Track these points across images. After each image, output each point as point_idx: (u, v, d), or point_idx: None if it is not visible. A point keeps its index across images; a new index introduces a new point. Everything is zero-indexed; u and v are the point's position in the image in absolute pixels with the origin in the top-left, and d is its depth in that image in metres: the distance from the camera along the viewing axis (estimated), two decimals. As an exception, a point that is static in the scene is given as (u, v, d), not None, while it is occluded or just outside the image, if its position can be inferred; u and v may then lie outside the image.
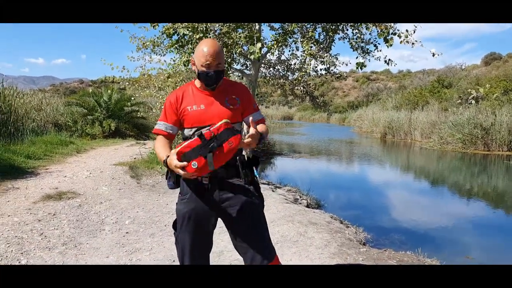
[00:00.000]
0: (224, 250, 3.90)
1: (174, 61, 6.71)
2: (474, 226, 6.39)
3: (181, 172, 1.96)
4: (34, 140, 10.50)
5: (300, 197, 6.94)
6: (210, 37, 5.91)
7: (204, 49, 2.13)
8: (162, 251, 3.96)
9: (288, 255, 3.85)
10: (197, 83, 2.27)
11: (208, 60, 2.11)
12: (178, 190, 2.39)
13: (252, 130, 2.04)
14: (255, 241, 2.23)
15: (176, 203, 2.36)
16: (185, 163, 1.95)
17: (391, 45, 6.02)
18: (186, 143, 2.01)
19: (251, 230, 2.24)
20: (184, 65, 6.17)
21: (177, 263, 3.64)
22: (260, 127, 2.26)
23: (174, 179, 2.23)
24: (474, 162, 13.22)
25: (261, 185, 7.30)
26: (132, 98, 14.02)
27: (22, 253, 3.72)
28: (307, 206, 6.35)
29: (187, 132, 2.25)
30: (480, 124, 15.05)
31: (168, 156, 2.04)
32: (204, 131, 2.01)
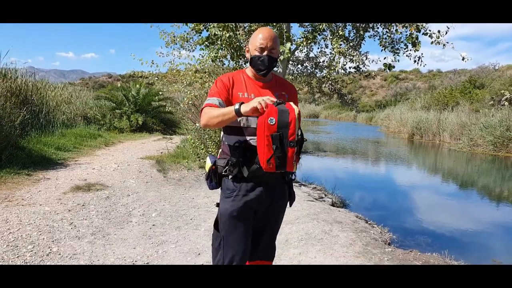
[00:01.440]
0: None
1: (202, 56, 6.77)
2: (502, 230, 6.19)
3: (257, 103, 1.87)
4: (64, 132, 10.79)
5: (325, 195, 6.89)
6: (240, 34, 5.93)
7: (260, 35, 2.12)
8: (188, 244, 4.01)
9: (313, 252, 3.84)
10: (249, 71, 2.23)
11: (262, 44, 2.10)
12: (205, 187, 2.41)
13: None
14: (270, 240, 2.32)
15: (218, 203, 2.23)
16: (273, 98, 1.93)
17: (417, 50, 5.90)
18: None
19: (270, 230, 2.32)
20: (212, 61, 6.21)
21: (203, 257, 3.69)
22: None
23: (216, 179, 2.18)
24: (505, 165, 12.79)
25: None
26: (160, 93, 14.21)
27: (53, 241, 3.84)
28: (332, 205, 6.30)
29: (234, 122, 2.13)
30: (513, 126, 14.55)
31: (239, 103, 1.94)
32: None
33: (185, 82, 7.57)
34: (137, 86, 16.24)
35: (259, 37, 2.11)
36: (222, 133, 2.24)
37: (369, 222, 5.41)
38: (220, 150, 2.26)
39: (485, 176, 11.11)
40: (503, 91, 20.66)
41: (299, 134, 1.95)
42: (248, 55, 2.20)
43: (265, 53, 2.11)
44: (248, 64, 2.24)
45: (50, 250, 3.64)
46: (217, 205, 2.24)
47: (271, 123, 1.86)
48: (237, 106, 1.92)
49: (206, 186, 2.34)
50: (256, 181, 2.10)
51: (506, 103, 19.18)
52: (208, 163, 2.22)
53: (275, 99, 1.92)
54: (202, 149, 7.89)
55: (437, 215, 6.88)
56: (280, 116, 1.87)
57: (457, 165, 13.32)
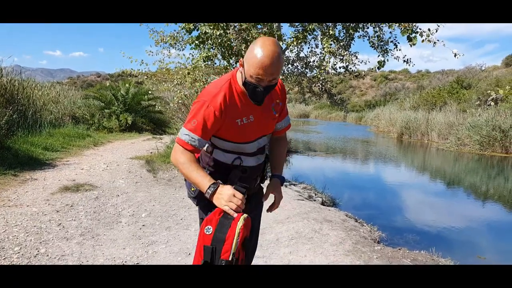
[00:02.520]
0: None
1: (193, 56, 6.74)
2: (488, 228, 6.29)
3: (232, 210, 1.69)
4: (52, 132, 10.67)
5: (315, 194, 6.91)
6: (230, 33, 5.87)
7: (258, 56, 1.68)
8: (178, 244, 3.99)
9: (303, 251, 3.85)
10: (241, 83, 1.85)
11: (259, 74, 1.71)
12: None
13: (277, 199, 2.08)
14: (255, 245, 2.30)
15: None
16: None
17: (414, 44, 5.93)
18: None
19: (256, 234, 2.27)
20: (204, 61, 6.20)
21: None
22: (281, 152, 2.18)
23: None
24: (491, 164, 12.98)
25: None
26: (149, 92, 14.12)
27: (41, 243, 3.79)
28: (322, 204, 6.33)
29: (227, 145, 1.93)
30: (498, 126, 14.75)
31: (214, 186, 1.75)
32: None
33: (175, 81, 7.54)
34: (127, 85, 16.13)
35: (257, 62, 1.69)
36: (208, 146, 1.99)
37: (358, 221, 5.44)
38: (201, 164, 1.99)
39: (471, 175, 11.26)
40: (489, 91, 20.96)
41: (234, 254, 1.64)
42: (241, 70, 1.82)
43: (262, 84, 1.75)
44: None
45: (38, 251, 3.60)
46: (200, 223, 2.01)
47: (207, 233, 1.67)
48: (210, 191, 1.73)
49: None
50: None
51: (492, 103, 19.46)
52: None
53: (239, 208, 1.70)
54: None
55: (425, 214, 6.96)
56: (219, 227, 1.66)
57: (445, 164, 13.47)
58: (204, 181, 1.76)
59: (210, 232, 1.66)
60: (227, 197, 1.71)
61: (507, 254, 5.25)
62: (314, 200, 6.41)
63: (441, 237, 5.57)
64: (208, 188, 1.74)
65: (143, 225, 4.52)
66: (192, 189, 1.95)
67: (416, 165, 13.40)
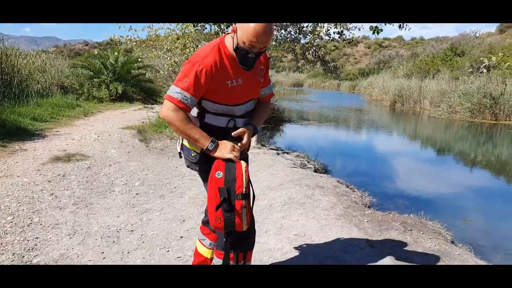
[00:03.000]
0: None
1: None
2: (475, 192, 6.43)
3: (233, 156, 1.92)
4: (39, 102, 10.50)
5: (308, 162, 6.95)
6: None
7: (252, 24, 1.78)
8: (172, 211, 4.02)
9: (295, 215, 3.90)
10: (230, 47, 1.93)
11: (252, 42, 1.80)
12: None
13: (245, 139, 2.03)
14: None
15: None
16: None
17: (378, 33, 5.85)
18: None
19: None
20: (194, 26, 6.04)
21: (188, 223, 3.72)
22: (262, 114, 2.20)
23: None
24: (480, 131, 13.11)
25: (270, 150, 7.37)
26: (139, 60, 13.84)
27: (33, 212, 3.79)
28: (315, 171, 6.38)
29: (217, 107, 1.99)
30: (489, 93, 14.82)
31: (214, 141, 1.93)
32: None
33: (165, 47, 7.37)
34: (115, 53, 15.78)
35: (251, 30, 1.78)
36: (197, 110, 2.06)
37: (350, 187, 5.51)
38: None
39: (461, 142, 11.38)
40: (482, 58, 20.89)
41: (246, 188, 1.88)
42: (234, 36, 1.88)
43: (254, 50, 1.85)
44: (230, 29, 1.98)
45: (31, 220, 3.60)
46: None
47: (218, 177, 1.87)
48: (211, 147, 1.92)
49: None
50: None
51: (485, 70, 19.44)
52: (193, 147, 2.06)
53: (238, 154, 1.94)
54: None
55: (415, 180, 7.06)
56: (227, 170, 1.87)
57: (435, 132, 13.58)
58: (204, 137, 1.92)
59: (221, 176, 1.86)
60: (229, 148, 1.92)
61: (492, 216, 5.40)
62: (307, 168, 6.45)
63: (430, 202, 5.68)
64: (211, 142, 1.92)
65: (136, 194, 4.53)
66: (193, 154, 2.04)
67: (408, 133, 13.49)
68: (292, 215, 3.93)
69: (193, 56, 1.95)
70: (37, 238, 3.27)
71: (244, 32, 1.80)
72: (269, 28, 1.80)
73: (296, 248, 3.24)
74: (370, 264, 2.98)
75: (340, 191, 4.94)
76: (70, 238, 3.31)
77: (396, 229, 3.74)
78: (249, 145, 2.12)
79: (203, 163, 2.05)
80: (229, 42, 1.92)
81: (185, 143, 2.08)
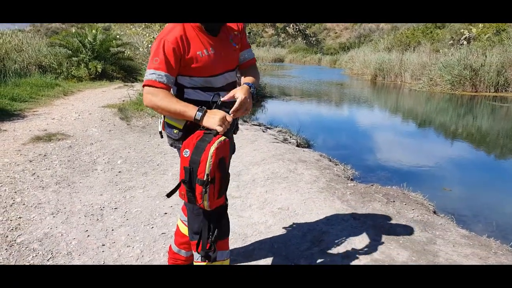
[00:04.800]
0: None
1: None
2: (455, 163, 6.59)
3: (221, 128, 1.79)
4: (18, 82, 10.26)
5: (290, 137, 7.00)
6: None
7: None
8: (156, 188, 4.04)
9: (279, 190, 3.96)
10: None
11: None
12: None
13: (241, 97, 1.88)
14: None
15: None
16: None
17: None
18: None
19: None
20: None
21: (172, 200, 3.76)
22: (252, 76, 2.08)
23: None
24: (460, 103, 13.34)
25: (252, 126, 7.38)
26: (118, 37, 13.52)
27: (15, 192, 3.76)
28: (297, 146, 6.43)
29: (194, 82, 1.92)
30: (470, 65, 14.99)
31: (201, 109, 1.80)
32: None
33: (143, 24, 7.22)
34: (94, 31, 15.33)
35: None
36: (175, 88, 1.97)
37: (332, 161, 5.58)
38: None
39: (441, 114, 11.58)
40: (462, 30, 21.05)
41: (208, 174, 1.74)
42: None
43: None
44: None
45: (14, 200, 3.58)
46: None
47: (185, 155, 1.77)
48: (198, 116, 1.79)
49: None
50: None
51: (465, 42, 19.62)
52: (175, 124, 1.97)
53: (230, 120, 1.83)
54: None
55: (397, 153, 7.20)
56: (195, 150, 1.75)
57: (415, 105, 13.77)
58: (188, 107, 1.81)
59: (188, 155, 1.76)
60: (219, 118, 1.79)
61: (471, 185, 5.58)
62: (289, 143, 6.50)
63: (412, 173, 5.82)
64: (198, 111, 1.80)
65: (119, 172, 4.52)
66: (175, 131, 1.95)
67: (388, 106, 13.64)
68: (276, 189, 3.99)
69: (159, 34, 1.89)
70: (20, 218, 3.26)
71: None
72: None
73: (280, 221, 3.30)
74: (367, 264, 3.06)
75: (322, 164, 5.02)
76: (54, 217, 3.31)
77: (379, 200, 3.84)
78: (250, 107, 1.96)
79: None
80: None
81: (168, 120, 2.00)
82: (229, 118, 1.83)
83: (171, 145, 2.06)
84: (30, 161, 4.66)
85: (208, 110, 1.82)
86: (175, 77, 1.88)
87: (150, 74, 1.82)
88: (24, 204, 3.52)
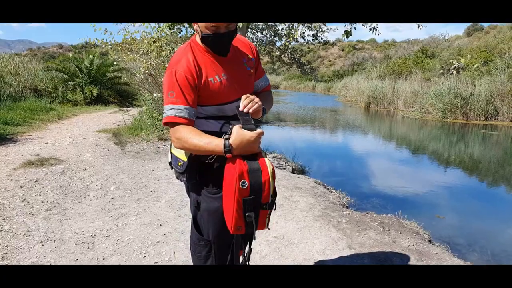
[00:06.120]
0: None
1: (158, 24, 6.51)
2: (449, 190, 6.59)
3: (256, 145, 1.66)
4: (12, 106, 10.26)
5: (285, 163, 6.98)
6: None
7: None
8: (149, 215, 3.97)
9: (274, 217, 3.91)
10: (201, 42, 1.78)
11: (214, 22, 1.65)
12: (165, 159, 2.13)
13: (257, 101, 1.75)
14: None
15: (200, 201, 1.88)
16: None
17: (349, 36, 5.96)
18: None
19: None
20: (169, 29, 5.99)
21: (165, 227, 3.67)
22: (265, 99, 1.92)
23: (197, 173, 1.81)
24: (452, 131, 13.48)
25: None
26: (115, 63, 13.64)
27: (4, 219, 3.68)
28: (292, 172, 6.41)
29: (205, 111, 1.79)
30: (460, 94, 15.26)
31: (224, 139, 1.63)
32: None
33: (141, 51, 7.29)
34: (91, 56, 15.49)
35: None
36: None
37: (327, 187, 5.56)
38: None
39: (434, 141, 11.67)
40: (451, 60, 21.53)
41: (272, 195, 1.69)
42: (196, 28, 1.74)
43: (222, 30, 1.68)
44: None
45: (1, 228, 3.50)
46: (197, 206, 1.90)
47: (243, 187, 1.59)
48: (227, 146, 1.61)
49: (166, 158, 2.14)
50: None
51: (454, 72, 20.02)
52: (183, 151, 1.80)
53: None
54: (161, 120, 7.73)
55: (391, 180, 7.20)
56: (252, 177, 1.60)
57: (409, 132, 13.89)
58: (213, 143, 1.64)
59: (246, 186, 1.60)
60: (254, 141, 1.64)
61: (465, 213, 5.57)
62: (284, 169, 6.48)
63: (406, 201, 5.80)
64: (225, 140, 1.64)
65: (112, 198, 4.45)
66: (179, 163, 1.81)
67: (382, 133, 13.74)
68: (271, 217, 3.94)
69: (168, 65, 1.78)
70: (7, 246, 3.17)
71: None
72: None
73: (275, 250, 3.25)
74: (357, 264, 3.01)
75: (318, 191, 4.99)
76: (43, 245, 3.22)
77: (374, 229, 3.80)
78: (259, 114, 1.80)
79: (190, 175, 1.82)
80: (199, 38, 1.77)
81: (173, 151, 1.86)
82: (259, 133, 1.67)
83: (177, 178, 1.90)
84: (21, 187, 4.59)
85: (233, 136, 1.64)
86: (196, 109, 1.74)
87: (168, 110, 1.70)
88: (12, 232, 3.43)
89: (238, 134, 1.63)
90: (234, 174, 1.60)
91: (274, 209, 1.78)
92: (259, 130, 1.68)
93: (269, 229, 1.78)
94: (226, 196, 1.67)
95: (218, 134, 1.74)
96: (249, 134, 1.63)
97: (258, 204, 1.64)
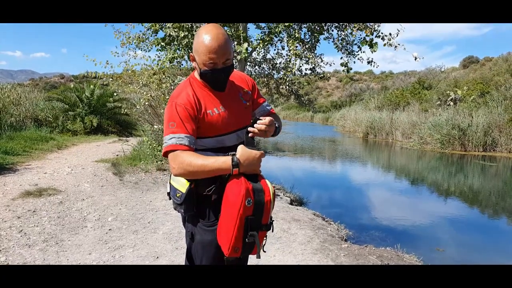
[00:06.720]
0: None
1: (159, 57, 6.65)
2: (447, 222, 6.57)
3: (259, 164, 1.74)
4: (12, 135, 10.31)
5: (283, 194, 6.98)
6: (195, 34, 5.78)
7: (205, 42, 1.70)
8: (146, 247, 3.94)
9: (272, 251, 3.89)
10: (199, 77, 1.87)
11: (212, 59, 1.72)
12: (163, 190, 2.15)
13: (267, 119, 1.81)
14: None
15: (195, 233, 1.88)
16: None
17: (375, 51, 6.07)
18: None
19: None
20: (170, 62, 6.13)
21: (161, 260, 3.65)
22: (275, 118, 2.02)
23: (195, 204, 1.82)
24: (451, 162, 13.52)
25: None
26: (115, 94, 13.83)
27: (0, 250, 3.65)
28: (291, 203, 6.40)
29: (204, 143, 1.83)
30: (457, 125, 15.40)
31: (231, 155, 1.70)
32: None
33: (141, 82, 7.43)
34: (91, 87, 15.73)
35: (205, 48, 1.71)
36: None
37: (326, 220, 5.54)
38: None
39: (433, 172, 11.69)
40: (448, 91, 21.84)
41: (271, 217, 1.75)
42: (194, 64, 1.83)
43: (219, 66, 1.76)
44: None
45: (-2, 259, 3.47)
46: (191, 237, 1.89)
47: (248, 205, 1.62)
48: (235, 161, 1.68)
49: (165, 189, 2.16)
50: None
51: (452, 103, 20.28)
52: (183, 181, 1.80)
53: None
54: (160, 150, 7.78)
55: (390, 211, 7.17)
56: (256, 196, 1.65)
57: (408, 163, 13.93)
58: (220, 160, 1.70)
59: (251, 204, 1.64)
60: (258, 159, 1.75)
61: (462, 245, 5.55)
62: (283, 200, 6.47)
63: (405, 233, 5.77)
64: (232, 159, 1.69)
65: (109, 229, 4.43)
66: (178, 194, 1.82)
67: (381, 163, 13.77)
68: (269, 250, 3.92)
69: (169, 99, 1.85)
70: (3, 279, 3.14)
71: (200, 54, 1.74)
72: (222, 39, 1.71)
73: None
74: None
75: (316, 224, 4.97)
76: (39, 278, 3.19)
77: (373, 263, 3.78)
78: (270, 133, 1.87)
79: (188, 207, 1.82)
80: (197, 74, 1.87)
81: (172, 182, 1.87)
82: (262, 153, 1.77)
83: (175, 209, 1.90)
84: (18, 217, 4.57)
85: (239, 152, 1.72)
86: (195, 139, 1.78)
87: (169, 140, 1.73)
88: (8, 264, 3.40)
89: (244, 150, 1.73)
90: (240, 192, 1.63)
91: (272, 231, 1.81)
92: (261, 151, 1.77)
93: (259, 258, 1.75)
94: (228, 214, 1.67)
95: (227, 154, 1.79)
96: (254, 152, 1.73)
97: (259, 224, 1.68)
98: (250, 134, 1.81)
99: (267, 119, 1.82)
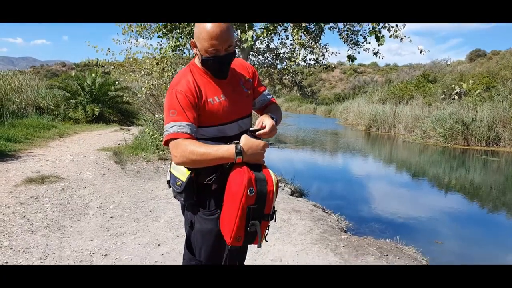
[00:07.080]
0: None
1: (160, 45, 6.64)
2: (447, 216, 6.59)
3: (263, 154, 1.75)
4: (14, 122, 10.33)
5: (284, 185, 6.99)
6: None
7: (207, 28, 1.67)
8: (147, 235, 3.97)
9: (272, 240, 3.91)
10: (200, 65, 1.84)
11: (214, 45, 1.69)
12: (164, 179, 2.14)
13: (269, 123, 1.83)
14: None
15: (194, 222, 1.88)
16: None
17: (382, 44, 6.03)
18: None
19: None
20: (172, 50, 6.11)
21: (163, 247, 3.67)
22: (275, 109, 2.06)
23: (195, 193, 1.82)
24: (453, 156, 13.49)
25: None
26: (117, 82, 13.82)
27: (4, 235, 3.69)
28: (291, 195, 6.41)
29: (206, 132, 1.81)
30: (461, 119, 15.32)
31: (235, 144, 1.69)
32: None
33: (142, 71, 7.41)
34: (93, 75, 15.69)
35: (207, 35, 1.68)
36: None
37: (326, 211, 5.56)
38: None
39: (435, 166, 11.68)
40: (453, 85, 21.69)
41: (273, 206, 1.73)
42: (195, 51, 1.80)
43: (221, 53, 1.73)
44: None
45: (1, 244, 3.50)
46: (191, 226, 1.90)
47: (251, 194, 1.62)
48: (239, 149, 1.67)
49: (165, 178, 2.14)
50: None
51: (456, 97, 20.15)
52: (184, 170, 1.80)
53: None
54: (161, 141, 7.78)
55: (390, 204, 7.19)
56: (259, 186, 1.65)
57: (410, 156, 13.91)
58: (223, 148, 1.69)
59: (253, 193, 1.63)
60: (262, 149, 1.75)
61: (462, 238, 5.57)
62: (283, 191, 6.48)
63: (404, 225, 5.79)
64: (235, 148, 1.68)
65: (111, 217, 4.46)
66: (178, 183, 1.82)
67: (383, 157, 13.77)
68: (269, 239, 3.93)
69: (169, 87, 1.82)
70: (6, 262, 3.18)
71: (202, 40, 1.71)
72: (224, 25, 1.69)
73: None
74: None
75: (316, 215, 4.99)
76: (41, 262, 3.23)
77: (372, 254, 3.80)
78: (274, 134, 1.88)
79: (188, 195, 1.82)
80: (198, 61, 1.84)
81: (173, 170, 1.87)
82: (266, 143, 1.77)
83: (175, 197, 1.91)
84: (21, 204, 4.61)
85: (242, 141, 1.71)
86: (197, 127, 1.75)
87: (170, 128, 1.71)
88: (11, 248, 3.44)
89: (248, 140, 1.72)
90: (243, 181, 1.62)
91: (275, 221, 1.81)
92: (265, 141, 1.77)
93: (260, 247, 1.78)
94: (230, 204, 1.67)
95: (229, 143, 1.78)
96: (258, 141, 1.73)
97: (261, 214, 1.68)
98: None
99: (267, 127, 1.82)
